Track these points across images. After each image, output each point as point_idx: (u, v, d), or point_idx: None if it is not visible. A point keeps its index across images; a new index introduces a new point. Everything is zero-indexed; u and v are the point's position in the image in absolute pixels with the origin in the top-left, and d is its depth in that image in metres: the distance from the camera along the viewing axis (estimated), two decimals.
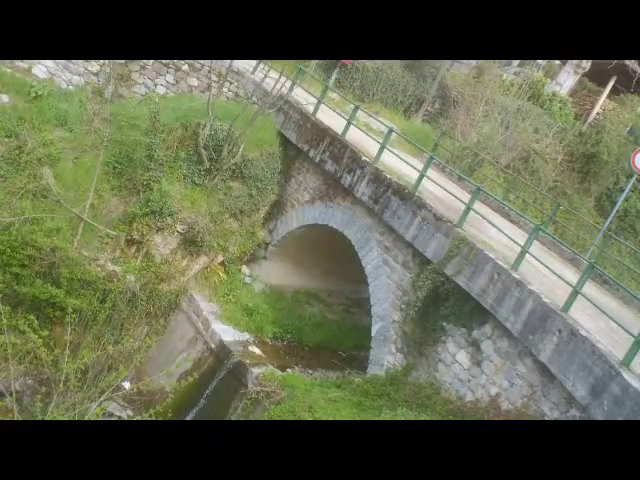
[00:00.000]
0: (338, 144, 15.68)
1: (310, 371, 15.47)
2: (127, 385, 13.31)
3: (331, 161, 15.76)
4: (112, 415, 13.55)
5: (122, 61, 18.42)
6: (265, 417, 12.18)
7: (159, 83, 19.18)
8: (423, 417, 11.02)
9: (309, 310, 17.98)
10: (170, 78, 19.20)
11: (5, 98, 15.91)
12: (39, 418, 9.64)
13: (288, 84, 17.38)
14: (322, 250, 17.88)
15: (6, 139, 14.75)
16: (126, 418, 13.71)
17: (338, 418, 11.27)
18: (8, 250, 13.20)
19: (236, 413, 13.26)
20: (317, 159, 16.24)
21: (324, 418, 11.30)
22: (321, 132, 16.26)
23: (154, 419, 10.02)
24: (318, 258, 18.30)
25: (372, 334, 14.05)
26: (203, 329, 15.28)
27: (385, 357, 13.53)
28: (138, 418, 12.34)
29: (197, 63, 19.13)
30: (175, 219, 15.29)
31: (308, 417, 11.50)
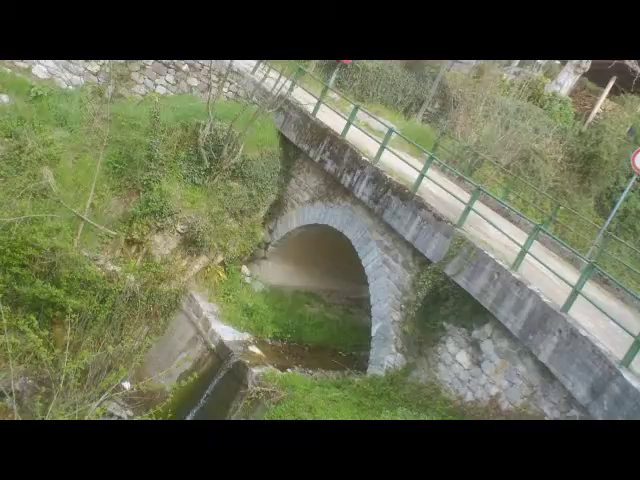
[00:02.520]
0: (338, 144, 15.67)
1: (310, 371, 15.44)
2: (127, 385, 13.29)
3: (331, 161, 15.75)
4: (112, 415, 13.55)
5: (122, 61, 18.41)
6: (265, 417, 12.18)
7: (159, 83, 19.16)
8: (423, 417, 11.02)
9: (309, 310, 17.97)
10: (170, 78, 19.19)
11: (5, 98, 15.90)
12: (39, 418, 9.63)
13: (288, 84, 17.37)
14: (322, 250, 17.87)
15: (6, 139, 14.73)
16: (126, 418, 13.70)
17: (338, 418, 11.28)
18: (8, 250, 13.20)
19: (236, 413, 13.26)
20: (317, 159, 16.23)
21: (324, 418, 11.30)
22: (321, 132, 16.24)
23: (154, 419, 10.01)
24: (318, 258, 18.29)
25: (372, 334, 14.05)
26: (203, 329, 15.28)
27: (385, 357, 13.53)
28: (138, 418, 12.32)
29: (197, 63, 19.12)
30: (175, 219, 15.29)
31: (308, 417, 11.50)
